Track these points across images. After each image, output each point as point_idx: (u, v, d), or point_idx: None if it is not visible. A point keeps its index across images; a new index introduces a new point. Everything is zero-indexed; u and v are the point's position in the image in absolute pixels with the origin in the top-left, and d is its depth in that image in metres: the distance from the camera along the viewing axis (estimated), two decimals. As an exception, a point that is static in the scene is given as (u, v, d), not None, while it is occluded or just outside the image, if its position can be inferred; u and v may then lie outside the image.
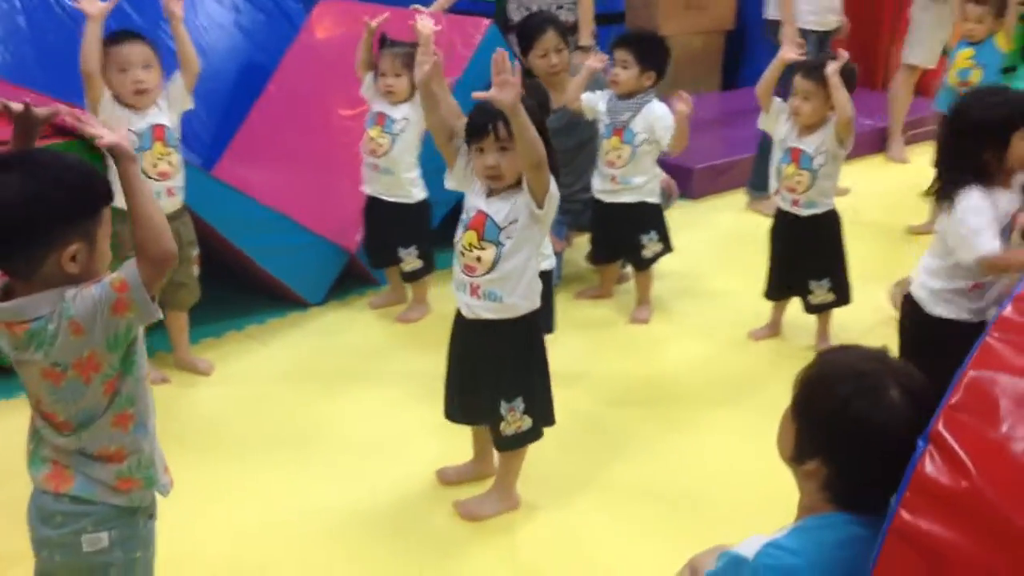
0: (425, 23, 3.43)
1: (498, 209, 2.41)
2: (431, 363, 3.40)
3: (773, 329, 3.64)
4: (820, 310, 3.51)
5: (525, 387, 2.52)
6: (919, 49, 5.41)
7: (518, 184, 2.40)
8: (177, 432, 2.75)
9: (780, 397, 3.15)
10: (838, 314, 3.55)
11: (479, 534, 2.55)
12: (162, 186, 3.08)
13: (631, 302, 3.88)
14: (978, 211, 2.36)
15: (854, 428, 1.47)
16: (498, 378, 2.53)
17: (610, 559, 2.46)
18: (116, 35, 3.05)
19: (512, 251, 2.40)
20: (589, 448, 2.90)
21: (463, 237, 2.46)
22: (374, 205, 3.64)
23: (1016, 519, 1.15)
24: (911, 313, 2.57)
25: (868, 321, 3.65)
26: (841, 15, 5.00)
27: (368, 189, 3.65)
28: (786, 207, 3.44)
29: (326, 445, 2.94)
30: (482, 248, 2.42)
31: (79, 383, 1.68)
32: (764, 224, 4.79)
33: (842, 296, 3.48)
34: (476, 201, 2.46)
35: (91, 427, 1.72)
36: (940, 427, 1.25)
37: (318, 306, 3.80)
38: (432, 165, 3.67)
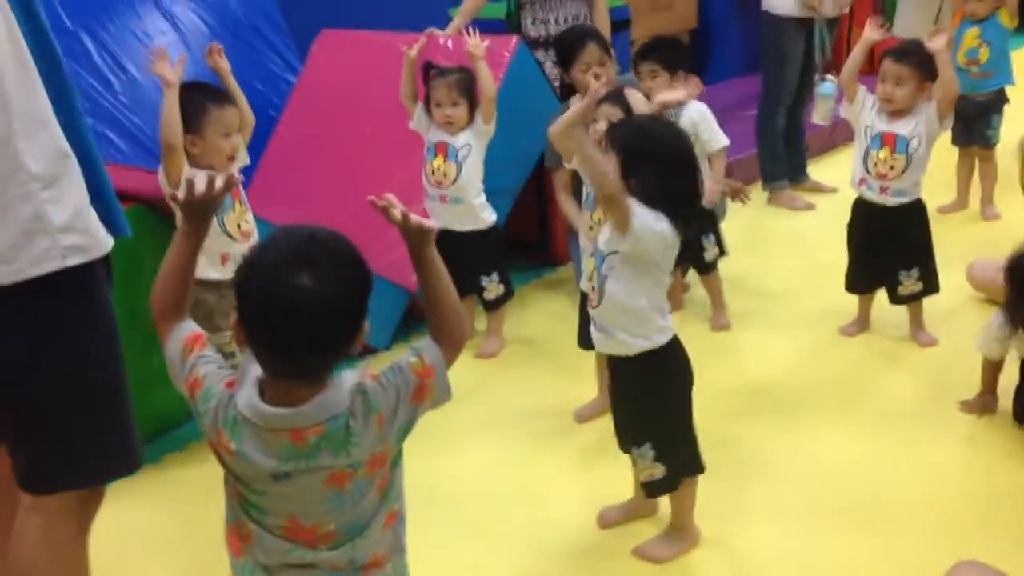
0: (477, 43, 3.29)
1: (602, 234, 2.31)
2: (531, 398, 3.27)
3: (863, 324, 3.57)
4: (907, 301, 3.45)
5: (652, 432, 2.36)
6: (904, 23, 5.42)
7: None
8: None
9: (897, 393, 3.13)
10: (922, 298, 3.49)
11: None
12: (245, 247, 2.85)
13: (700, 311, 3.77)
14: None
15: None
16: (625, 419, 2.43)
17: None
18: (210, 94, 2.83)
19: (614, 283, 2.27)
20: (729, 469, 2.73)
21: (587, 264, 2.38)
22: (444, 238, 3.38)
23: None
24: None
25: (950, 302, 3.62)
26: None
27: (436, 223, 3.44)
28: (872, 196, 3.37)
29: (456, 503, 2.72)
30: (594, 279, 2.34)
31: (366, 483, 1.49)
32: (790, 217, 4.81)
33: (931, 285, 3.42)
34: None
35: (365, 532, 1.52)
36: None
37: (386, 350, 3.57)
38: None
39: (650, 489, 2.42)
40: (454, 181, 3.36)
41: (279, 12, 4.76)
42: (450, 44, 3.94)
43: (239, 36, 4.71)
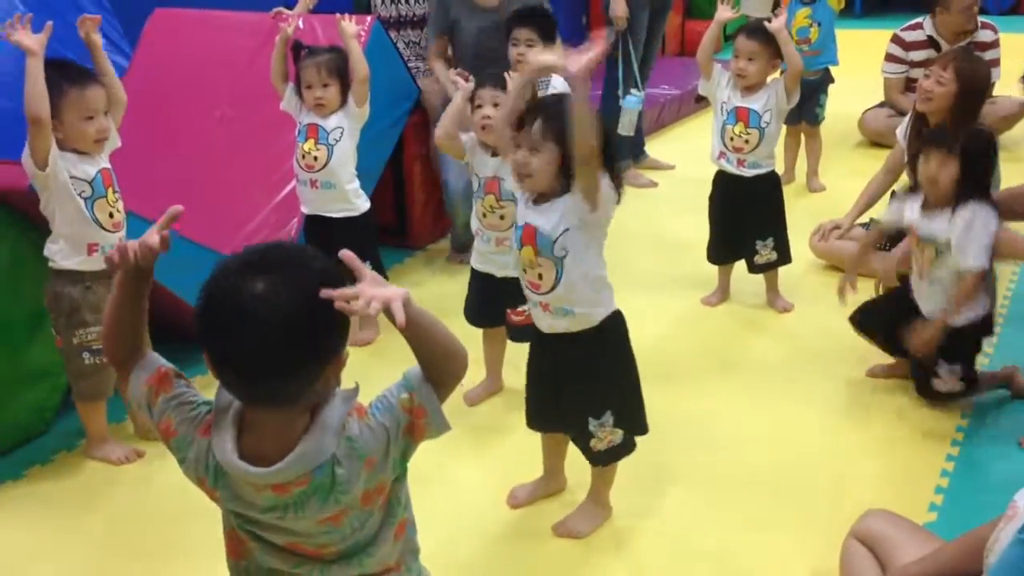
0: (350, 24, 3.21)
1: (547, 219, 2.22)
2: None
3: (723, 294, 3.73)
4: (764, 269, 3.64)
5: (613, 398, 2.36)
6: (752, 3, 5.67)
7: (567, 191, 2.21)
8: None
9: (769, 357, 3.29)
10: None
11: (592, 552, 2.40)
12: (115, 238, 2.67)
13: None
14: None
15: None
16: (584, 394, 2.36)
17: (736, 554, 2.39)
18: (70, 74, 2.59)
19: (573, 259, 2.21)
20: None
21: (521, 254, 2.27)
22: (317, 224, 3.33)
23: None
24: None
25: (796, 270, 3.81)
26: None
27: (307, 208, 3.33)
28: (731, 169, 3.51)
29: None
30: (540, 264, 2.23)
31: (363, 513, 1.42)
32: (635, 196, 4.94)
33: (784, 254, 3.61)
34: (523, 212, 2.27)
35: (370, 550, 1.45)
36: None
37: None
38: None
39: (610, 455, 2.39)
40: (324, 165, 3.23)
41: (101, -11, 4.44)
42: (301, 24, 3.81)
43: (57, 12, 4.35)
